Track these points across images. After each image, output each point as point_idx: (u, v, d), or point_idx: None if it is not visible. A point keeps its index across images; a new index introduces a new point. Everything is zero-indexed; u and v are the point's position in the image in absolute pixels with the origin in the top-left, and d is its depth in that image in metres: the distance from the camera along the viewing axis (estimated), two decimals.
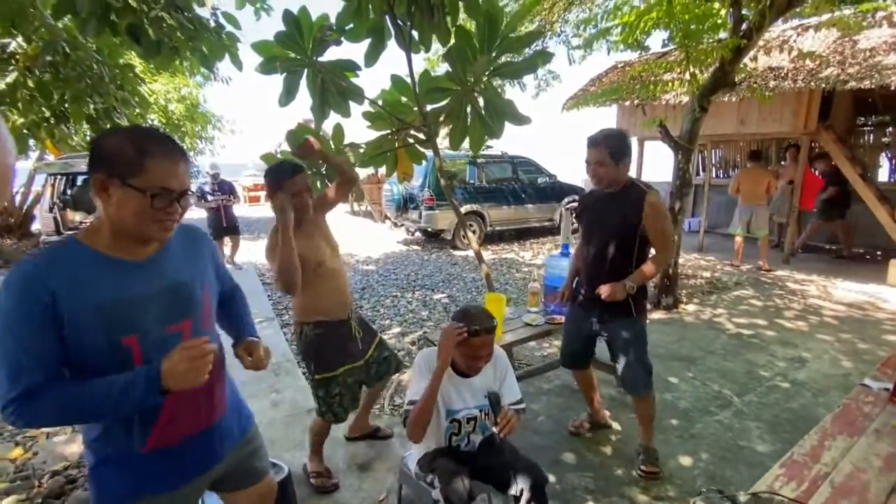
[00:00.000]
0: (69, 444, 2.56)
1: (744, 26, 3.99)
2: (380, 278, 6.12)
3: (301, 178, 1.89)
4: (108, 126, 2.99)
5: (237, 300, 1.42)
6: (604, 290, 2.10)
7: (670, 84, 4.80)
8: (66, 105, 2.78)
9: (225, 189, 6.29)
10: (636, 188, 2.16)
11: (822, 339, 3.98)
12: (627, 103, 7.47)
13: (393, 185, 8.54)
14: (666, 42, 10.66)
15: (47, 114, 2.93)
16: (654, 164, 9.30)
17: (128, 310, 0.98)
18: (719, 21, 4.11)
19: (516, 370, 3.05)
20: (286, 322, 4.46)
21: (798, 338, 4.00)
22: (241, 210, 9.10)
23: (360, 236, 9.27)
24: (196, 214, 9.73)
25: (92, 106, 2.89)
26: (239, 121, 11.67)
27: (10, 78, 2.62)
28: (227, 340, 1.32)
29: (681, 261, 6.21)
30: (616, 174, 2.14)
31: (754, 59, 4.92)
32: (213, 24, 2.78)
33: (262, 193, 14.90)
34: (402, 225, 8.86)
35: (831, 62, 5.58)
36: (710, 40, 4.27)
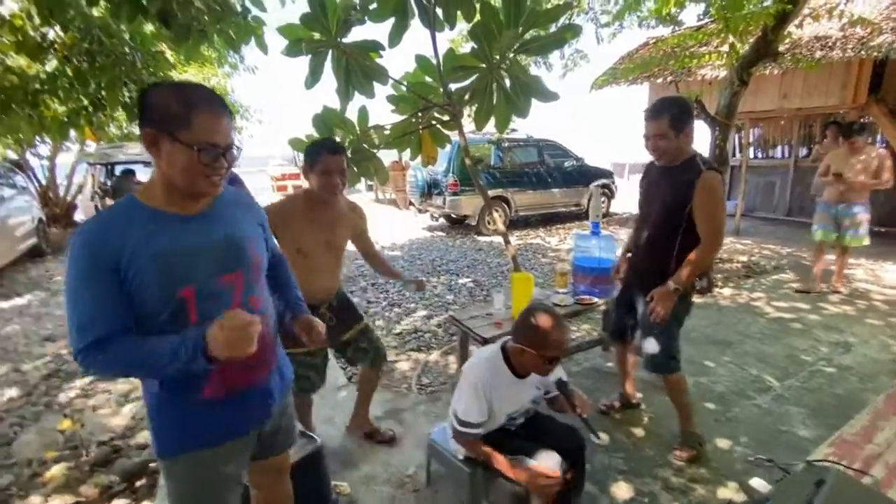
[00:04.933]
0: (114, 417, 2.69)
1: None
2: (405, 263, 6.15)
3: (337, 158, 1.86)
4: None
5: (283, 267, 1.45)
6: (656, 305, 1.96)
7: (707, 57, 4.57)
8: (103, 92, 2.86)
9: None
10: (694, 163, 1.94)
11: (870, 323, 3.77)
12: (660, 80, 7.19)
13: (417, 171, 8.51)
14: (700, 17, 10.16)
15: (85, 102, 3.03)
16: None
17: (182, 260, 1.01)
18: None
19: None
20: None
21: (843, 322, 3.80)
22: (267, 198, 9.25)
23: (385, 223, 9.32)
24: None
25: (126, 93, 2.97)
26: (266, 111, 11.74)
27: (50, 66, 2.72)
28: None
29: None
30: (678, 146, 1.95)
31: (800, 26, 4.62)
32: (239, 7, 2.80)
33: (290, 183, 14.99)
34: (427, 211, 8.84)
35: (884, 29, 5.19)
36: (752, 9, 4.03)
